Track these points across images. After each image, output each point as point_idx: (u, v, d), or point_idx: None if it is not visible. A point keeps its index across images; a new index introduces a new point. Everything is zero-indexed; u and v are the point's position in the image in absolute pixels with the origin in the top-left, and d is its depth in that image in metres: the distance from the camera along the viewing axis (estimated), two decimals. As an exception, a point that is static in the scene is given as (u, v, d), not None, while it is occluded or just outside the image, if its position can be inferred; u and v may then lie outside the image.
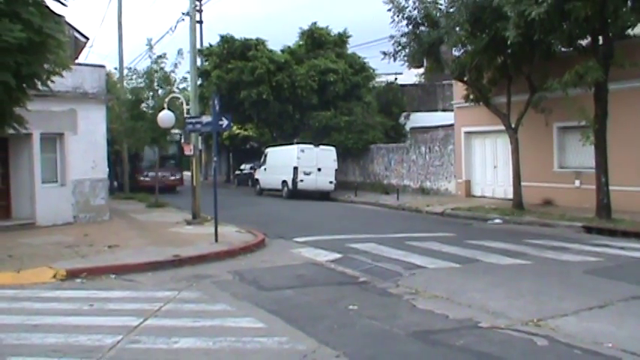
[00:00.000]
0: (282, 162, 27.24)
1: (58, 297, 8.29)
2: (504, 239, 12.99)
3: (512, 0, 14.25)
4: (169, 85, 23.73)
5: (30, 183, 15.98)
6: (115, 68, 29.36)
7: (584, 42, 16.25)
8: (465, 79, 19.82)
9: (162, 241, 13.10)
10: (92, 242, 12.82)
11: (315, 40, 31.98)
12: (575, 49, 16.33)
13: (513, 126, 18.57)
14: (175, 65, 23.79)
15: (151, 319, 6.91)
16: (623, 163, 16.57)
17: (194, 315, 7.10)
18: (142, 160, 30.88)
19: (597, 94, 15.49)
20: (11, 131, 11.21)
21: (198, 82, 24.48)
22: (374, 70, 32.88)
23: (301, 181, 26.51)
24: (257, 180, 30.65)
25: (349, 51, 33.28)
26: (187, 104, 18.36)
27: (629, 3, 14.58)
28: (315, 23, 32.45)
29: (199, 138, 18.59)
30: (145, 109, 23.96)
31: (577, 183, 18.62)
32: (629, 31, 15.90)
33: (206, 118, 14.51)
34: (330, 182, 26.95)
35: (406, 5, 18.72)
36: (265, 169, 29.29)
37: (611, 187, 15.50)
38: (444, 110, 31.76)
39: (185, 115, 17.39)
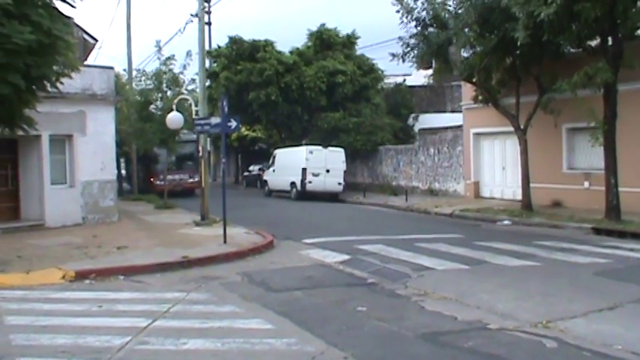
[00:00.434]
0: (291, 163, 27.21)
1: (66, 298, 8.31)
2: (513, 241, 12.94)
3: (521, 1, 14.20)
4: (178, 87, 23.90)
5: (39, 184, 16.06)
6: (124, 70, 29.51)
7: (593, 43, 16.15)
8: (474, 80, 19.76)
9: (171, 242, 13.12)
10: (101, 243, 12.86)
11: (324, 41, 31.93)
12: (584, 50, 16.27)
13: (522, 127, 18.51)
14: (184, 67, 24.05)
15: (159, 320, 6.92)
16: (632, 164, 16.48)
17: (203, 316, 7.10)
18: (157, 161, 28.63)
19: (606, 95, 15.41)
20: (20, 133, 11.27)
21: (207, 84, 24.57)
22: (382, 71, 32.83)
23: (310, 182, 26.47)
24: (265, 181, 30.67)
25: (358, 52, 33.24)
26: (196, 105, 18.44)
27: (638, 4, 14.52)
28: (324, 24, 32.41)
29: (208, 139, 18.64)
30: (153, 110, 24.10)
31: (586, 184, 18.53)
32: (639, 32, 15.80)
33: (215, 120, 14.50)
34: (339, 183, 26.93)
35: (415, 6, 18.74)
36: (274, 170, 29.31)
37: (620, 189, 15.42)
38: (452, 111, 31.64)
39: (194, 117, 17.45)
